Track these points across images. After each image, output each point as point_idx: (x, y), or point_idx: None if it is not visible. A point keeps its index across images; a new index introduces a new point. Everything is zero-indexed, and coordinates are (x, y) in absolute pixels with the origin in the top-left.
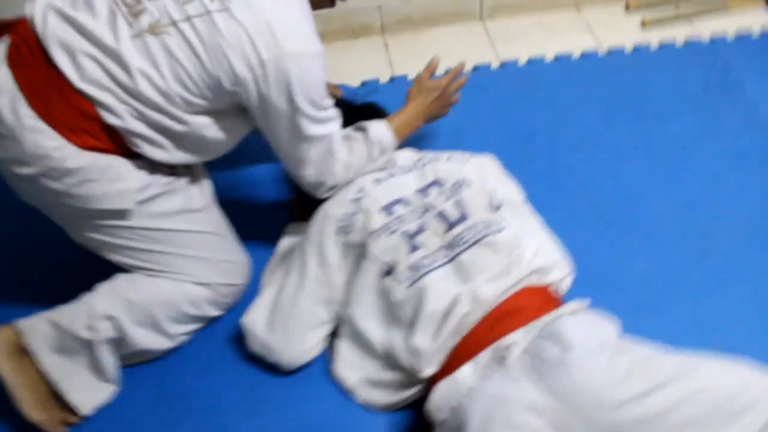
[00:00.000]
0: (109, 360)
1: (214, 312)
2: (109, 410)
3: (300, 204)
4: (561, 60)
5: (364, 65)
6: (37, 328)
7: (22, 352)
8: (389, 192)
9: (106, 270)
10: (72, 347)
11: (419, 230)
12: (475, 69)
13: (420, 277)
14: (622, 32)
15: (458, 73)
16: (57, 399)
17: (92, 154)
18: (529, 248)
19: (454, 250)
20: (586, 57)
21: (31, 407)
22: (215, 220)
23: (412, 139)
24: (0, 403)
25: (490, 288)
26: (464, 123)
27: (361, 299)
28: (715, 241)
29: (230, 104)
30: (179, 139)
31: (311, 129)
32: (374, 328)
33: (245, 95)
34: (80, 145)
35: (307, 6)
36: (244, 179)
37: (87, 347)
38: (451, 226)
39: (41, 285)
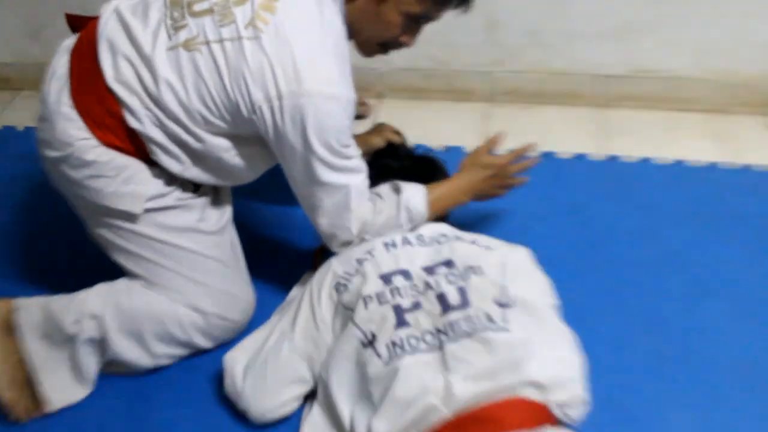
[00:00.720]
0: (89, 361)
1: (203, 342)
2: (74, 411)
3: (321, 255)
4: (674, 166)
5: (456, 131)
6: (30, 309)
7: (11, 330)
8: (396, 260)
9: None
10: (57, 338)
11: (413, 307)
12: (576, 157)
13: (399, 357)
14: (760, 149)
15: (524, 154)
16: (31, 387)
17: (112, 151)
18: (534, 358)
19: (442, 337)
20: (706, 168)
21: (3, 384)
22: (226, 248)
23: (472, 215)
24: None
25: (468, 387)
26: (539, 210)
27: (339, 366)
28: None
29: (250, 133)
30: (197, 157)
31: (326, 175)
32: (344, 400)
33: (261, 125)
34: (103, 141)
35: (343, 49)
36: (280, 218)
37: (70, 342)
38: (448, 310)
39: (62, 271)
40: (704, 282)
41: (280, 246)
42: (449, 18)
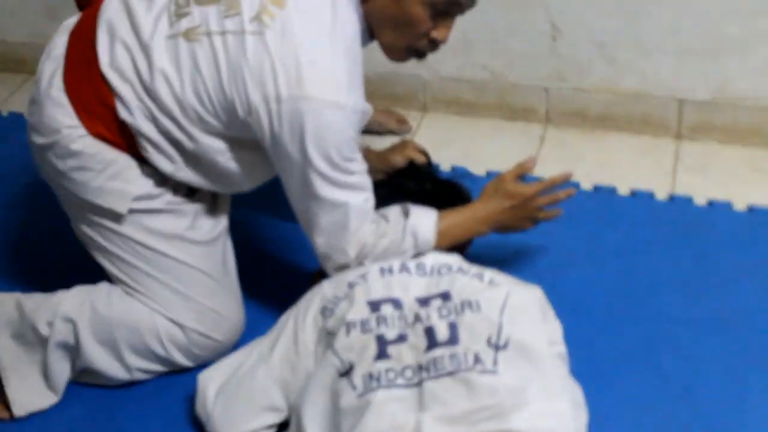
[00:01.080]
0: (60, 367)
1: (181, 359)
2: (37, 419)
3: (320, 279)
4: (756, 213)
5: (503, 154)
6: (4, 305)
7: None
8: (388, 288)
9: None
10: (28, 338)
11: (397, 339)
12: (634, 194)
13: (373, 390)
14: None
15: (557, 184)
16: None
17: (100, 143)
18: (523, 408)
19: (423, 374)
20: None
21: None
22: (215, 261)
23: (500, 248)
24: None
25: (439, 429)
26: (581, 251)
27: (313, 395)
28: None
29: (247, 136)
30: (190, 157)
31: (324, 190)
32: None
33: (257, 128)
34: (91, 131)
35: (356, 53)
36: (282, 234)
37: (42, 344)
38: (433, 346)
39: (48, 268)
40: (754, 351)
41: (280, 265)
42: (508, 22)
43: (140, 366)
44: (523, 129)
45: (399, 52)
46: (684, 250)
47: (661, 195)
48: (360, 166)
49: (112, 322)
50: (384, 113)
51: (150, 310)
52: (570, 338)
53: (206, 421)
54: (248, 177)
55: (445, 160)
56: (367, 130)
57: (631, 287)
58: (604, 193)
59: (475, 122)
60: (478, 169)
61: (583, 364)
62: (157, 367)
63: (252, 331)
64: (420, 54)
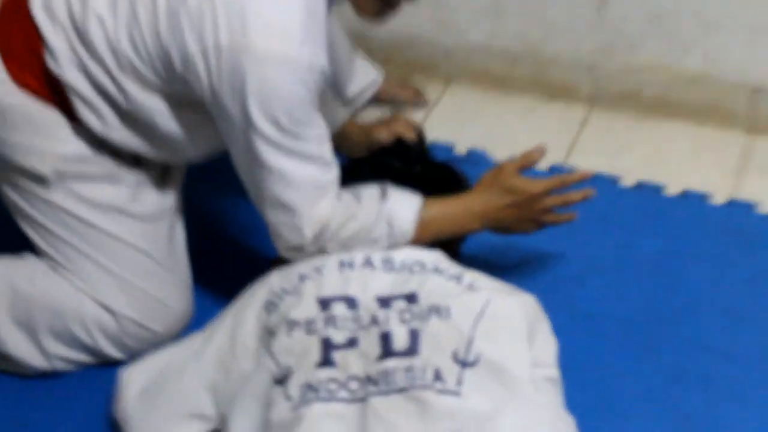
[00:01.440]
0: None
1: (111, 350)
2: None
3: (279, 266)
4: None
5: (535, 139)
6: None
7: None
8: (344, 284)
9: None
10: None
11: (346, 344)
12: (684, 195)
13: (308, 403)
14: None
15: (571, 182)
16: None
17: (26, 95)
18: None
19: (370, 388)
20: None
21: None
22: (160, 240)
23: (506, 253)
24: None
25: None
26: (610, 261)
27: (245, 404)
28: None
29: (188, 94)
30: (126, 117)
31: (270, 157)
32: None
33: (196, 84)
34: (17, 81)
35: (317, 6)
36: (244, 214)
37: None
38: (387, 355)
39: None
40: None
41: (241, 249)
42: None
43: (61, 354)
44: (562, 111)
45: (366, 3)
46: (737, 266)
47: (718, 198)
48: (316, 131)
49: (32, 301)
50: (396, 83)
51: (76, 290)
52: (579, 362)
53: (123, 424)
54: (193, 143)
55: (463, 141)
56: (377, 101)
57: (664, 307)
58: (648, 192)
59: (504, 100)
60: (501, 154)
61: (592, 395)
62: (82, 357)
63: (200, 323)
64: (390, 2)
